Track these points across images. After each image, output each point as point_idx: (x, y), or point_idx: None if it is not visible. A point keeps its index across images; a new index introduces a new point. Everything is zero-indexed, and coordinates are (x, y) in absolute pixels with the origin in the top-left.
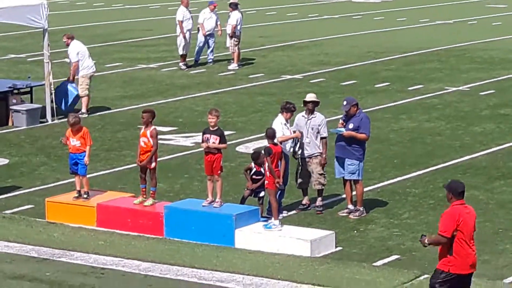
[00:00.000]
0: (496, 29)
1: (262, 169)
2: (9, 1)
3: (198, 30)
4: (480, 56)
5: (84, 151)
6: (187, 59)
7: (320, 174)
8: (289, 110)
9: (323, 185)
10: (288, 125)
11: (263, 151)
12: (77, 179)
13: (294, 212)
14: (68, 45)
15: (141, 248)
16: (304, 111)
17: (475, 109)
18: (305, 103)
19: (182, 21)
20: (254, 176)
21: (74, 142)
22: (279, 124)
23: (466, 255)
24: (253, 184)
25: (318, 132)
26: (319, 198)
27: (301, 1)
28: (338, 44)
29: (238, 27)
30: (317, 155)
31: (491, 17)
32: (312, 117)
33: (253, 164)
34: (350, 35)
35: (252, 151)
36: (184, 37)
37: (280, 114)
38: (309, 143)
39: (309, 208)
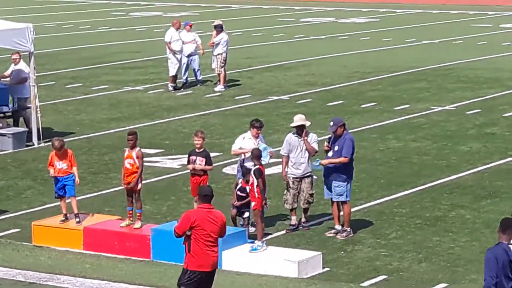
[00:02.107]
0: (481, 48)
1: (247, 187)
2: None
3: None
4: (466, 75)
5: (71, 173)
6: (177, 81)
7: (310, 195)
8: (253, 126)
9: (310, 203)
10: (253, 139)
11: (252, 173)
12: (63, 203)
13: (283, 232)
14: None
15: (128, 271)
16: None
17: (462, 129)
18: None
19: (170, 42)
20: (238, 192)
21: (61, 165)
22: (240, 138)
23: (203, 255)
24: (237, 202)
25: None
26: (304, 215)
27: (288, 22)
28: (324, 64)
29: (224, 49)
30: (309, 175)
31: (476, 37)
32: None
33: (240, 180)
34: (337, 56)
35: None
36: (175, 56)
37: (249, 131)
38: (303, 163)
39: (298, 228)
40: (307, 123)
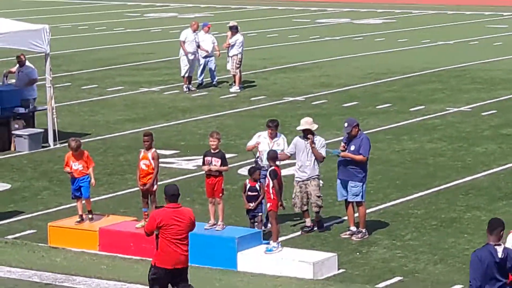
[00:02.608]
0: (497, 49)
1: (257, 185)
2: (11, 26)
3: (198, 52)
4: (481, 76)
5: (87, 174)
6: (192, 82)
7: (318, 197)
8: (267, 126)
9: (321, 207)
10: (267, 139)
11: (268, 174)
12: (79, 204)
13: (298, 233)
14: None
15: (143, 272)
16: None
17: (477, 130)
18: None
19: (184, 42)
20: (249, 193)
21: (77, 166)
22: (256, 136)
23: (168, 252)
24: (249, 204)
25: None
26: (315, 219)
27: (303, 23)
28: (339, 65)
29: (239, 50)
30: (315, 178)
31: (492, 37)
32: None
33: (247, 181)
34: (352, 57)
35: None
36: (186, 57)
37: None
38: (308, 166)
39: (313, 229)
40: (314, 127)
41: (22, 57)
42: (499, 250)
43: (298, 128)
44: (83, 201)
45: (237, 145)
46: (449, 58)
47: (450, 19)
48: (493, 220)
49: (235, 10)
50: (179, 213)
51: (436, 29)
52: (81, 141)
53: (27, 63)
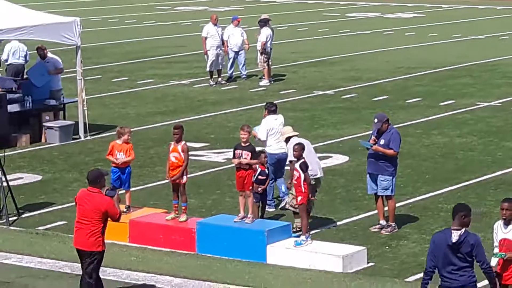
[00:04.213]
0: None
1: (266, 169)
2: (42, 18)
3: (227, 46)
4: None
5: (128, 166)
6: (221, 75)
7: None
8: (270, 110)
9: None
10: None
11: (299, 166)
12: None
13: (327, 227)
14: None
15: (173, 264)
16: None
17: (507, 124)
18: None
19: (206, 38)
20: (259, 177)
21: (121, 155)
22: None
23: (75, 230)
24: (258, 187)
25: None
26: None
27: (332, 17)
28: (369, 59)
29: (268, 44)
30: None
31: None
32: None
33: (257, 165)
34: (382, 51)
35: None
36: (206, 54)
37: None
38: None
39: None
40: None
41: (43, 49)
42: (455, 234)
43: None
44: (122, 191)
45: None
46: (479, 52)
47: (481, 14)
48: (457, 205)
49: (265, 4)
50: (90, 197)
51: (467, 23)
52: (112, 133)
53: (49, 54)
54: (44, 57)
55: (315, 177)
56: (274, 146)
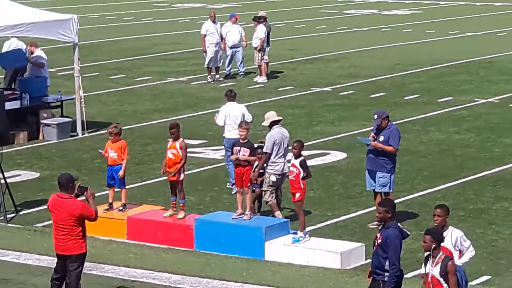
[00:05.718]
0: None
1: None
2: (40, 16)
3: (225, 43)
4: (509, 67)
5: (120, 164)
6: (219, 72)
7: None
8: (225, 95)
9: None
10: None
11: (299, 164)
12: (111, 192)
13: (325, 224)
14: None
15: (171, 260)
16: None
17: (505, 121)
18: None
19: (205, 35)
20: (257, 170)
21: (112, 153)
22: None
23: (54, 238)
24: (258, 178)
25: None
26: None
27: (330, 14)
28: (367, 56)
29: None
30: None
31: None
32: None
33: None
34: (379, 48)
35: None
36: (205, 51)
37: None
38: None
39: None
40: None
41: (31, 47)
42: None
43: (264, 123)
44: (117, 189)
45: (265, 136)
46: (477, 49)
47: (478, 11)
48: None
49: (263, 1)
50: (62, 203)
51: (464, 20)
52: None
53: (38, 50)
54: (32, 52)
55: (281, 173)
56: (233, 132)
